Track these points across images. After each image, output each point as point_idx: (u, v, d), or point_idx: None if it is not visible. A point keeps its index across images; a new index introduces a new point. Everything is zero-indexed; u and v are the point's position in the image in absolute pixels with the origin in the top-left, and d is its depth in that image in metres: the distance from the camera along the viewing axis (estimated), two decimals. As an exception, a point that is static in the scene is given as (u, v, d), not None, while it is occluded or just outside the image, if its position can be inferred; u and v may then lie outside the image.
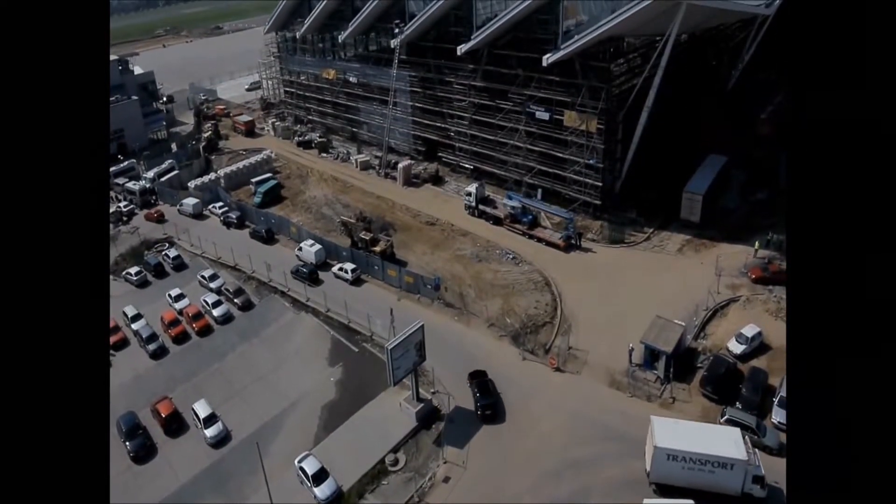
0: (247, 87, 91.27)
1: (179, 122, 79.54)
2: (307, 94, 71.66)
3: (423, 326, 30.46)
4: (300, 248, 44.98)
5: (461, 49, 50.72)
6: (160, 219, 53.36)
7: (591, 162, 46.41)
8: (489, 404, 30.71)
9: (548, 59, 44.78)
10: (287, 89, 75.24)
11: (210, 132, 70.24)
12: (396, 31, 55.20)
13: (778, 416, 28.79)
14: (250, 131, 73.19)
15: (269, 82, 79.45)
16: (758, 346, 33.37)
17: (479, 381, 32.07)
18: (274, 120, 74.35)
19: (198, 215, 53.01)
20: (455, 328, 36.92)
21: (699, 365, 32.91)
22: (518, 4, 45.96)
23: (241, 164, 59.72)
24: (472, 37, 49.72)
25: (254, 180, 56.37)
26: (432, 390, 32.78)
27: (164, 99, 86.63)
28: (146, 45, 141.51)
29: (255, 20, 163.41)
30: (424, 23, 53.38)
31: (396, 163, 58.84)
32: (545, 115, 48.42)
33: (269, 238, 48.46)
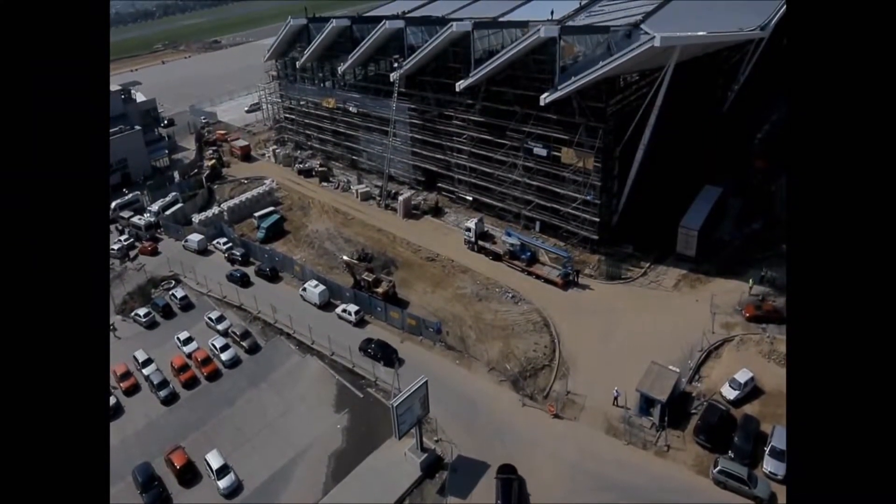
0: (246, 108, 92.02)
1: (181, 147, 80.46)
2: (307, 120, 72.57)
3: (426, 382, 31.53)
4: (304, 289, 46.00)
5: (460, 85, 51.61)
6: (154, 252, 54.48)
7: (588, 198, 47.40)
8: (392, 351, 39.33)
9: (545, 98, 45.67)
10: (287, 115, 76.14)
11: (214, 160, 71.22)
12: (396, 65, 56.10)
13: (769, 465, 29.88)
14: (247, 156, 74.24)
15: (270, 106, 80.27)
16: (751, 391, 34.46)
17: (377, 342, 40.10)
18: (275, 147, 75.24)
19: (202, 251, 54.02)
20: (456, 372, 37.98)
21: (693, 411, 33.99)
22: (514, 46, 46.89)
23: (243, 197, 60.64)
24: (471, 74, 50.60)
25: (256, 214, 57.31)
26: (435, 438, 33.87)
27: (165, 122, 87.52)
28: (145, 60, 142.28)
29: (252, 33, 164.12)
30: (423, 58, 54.27)
31: (397, 193, 59.81)
32: (543, 152, 49.38)
33: (273, 276, 49.46)
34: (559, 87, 44.93)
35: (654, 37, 39.52)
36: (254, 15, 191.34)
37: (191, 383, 39.18)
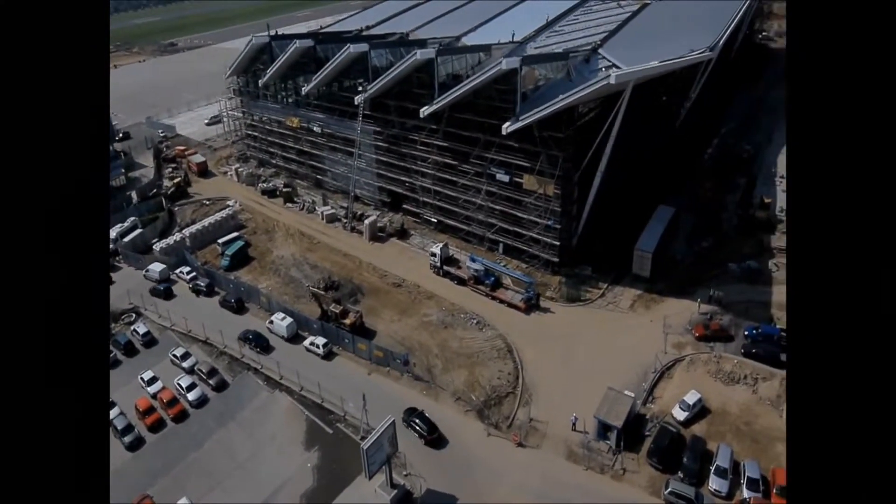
0: (207, 121, 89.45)
1: (138, 164, 77.75)
2: (270, 138, 71.52)
3: (394, 421, 32.46)
4: (271, 322, 45.93)
5: (423, 112, 52.20)
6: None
7: (549, 223, 49.09)
8: (265, 340, 44.13)
9: (506, 127, 46.89)
10: (249, 132, 74.75)
11: (179, 178, 69.43)
12: (360, 88, 56.14)
13: (714, 483, 32.44)
14: (203, 172, 72.79)
15: (231, 120, 78.47)
16: (699, 412, 37.01)
17: (254, 333, 44.62)
18: (237, 165, 73.84)
19: (165, 281, 52.89)
20: (424, 404, 38.99)
21: (647, 433, 36.25)
22: (477, 76, 47.82)
23: (206, 222, 59.48)
24: (434, 101, 51.26)
25: (220, 241, 56.43)
26: (405, 472, 34.90)
27: (120, 136, 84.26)
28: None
29: (210, 36, 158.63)
30: (387, 83, 54.52)
31: (362, 215, 60.02)
32: (505, 178, 50.72)
33: (239, 307, 49.04)
34: (520, 118, 46.25)
35: (609, 75, 41.24)
36: (212, 15, 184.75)
37: (157, 426, 38.71)
